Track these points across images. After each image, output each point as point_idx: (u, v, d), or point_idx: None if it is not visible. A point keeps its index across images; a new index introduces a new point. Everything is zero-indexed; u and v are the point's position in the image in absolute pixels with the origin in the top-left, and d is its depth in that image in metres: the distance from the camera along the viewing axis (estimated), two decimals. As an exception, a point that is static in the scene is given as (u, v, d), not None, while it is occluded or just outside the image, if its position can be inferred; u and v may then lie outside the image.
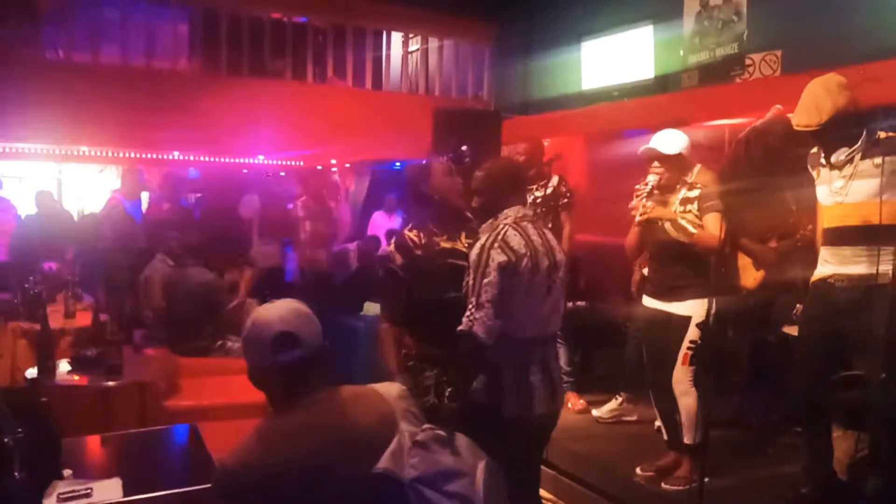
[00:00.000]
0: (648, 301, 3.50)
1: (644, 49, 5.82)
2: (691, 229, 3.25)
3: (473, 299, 2.26)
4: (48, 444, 2.14)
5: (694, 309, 3.25)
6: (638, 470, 3.56)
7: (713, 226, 3.19)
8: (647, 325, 3.54)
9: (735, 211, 3.18)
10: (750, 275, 3.93)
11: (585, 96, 6.29)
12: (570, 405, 4.54)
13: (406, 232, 2.72)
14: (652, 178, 3.31)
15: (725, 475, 3.41)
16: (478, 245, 2.35)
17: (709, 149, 4.19)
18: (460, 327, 2.27)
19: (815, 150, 2.99)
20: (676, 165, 3.33)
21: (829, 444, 3.03)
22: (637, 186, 3.35)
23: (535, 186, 4.58)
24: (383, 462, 1.52)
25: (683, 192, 3.36)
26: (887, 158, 2.75)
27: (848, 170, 2.83)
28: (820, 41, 4.33)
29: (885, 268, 2.76)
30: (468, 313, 2.27)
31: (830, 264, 2.94)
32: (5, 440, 1.99)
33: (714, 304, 3.15)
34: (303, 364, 1.62)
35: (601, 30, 6.19)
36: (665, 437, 3.57)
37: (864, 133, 2.79)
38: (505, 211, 2.42)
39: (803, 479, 3.10)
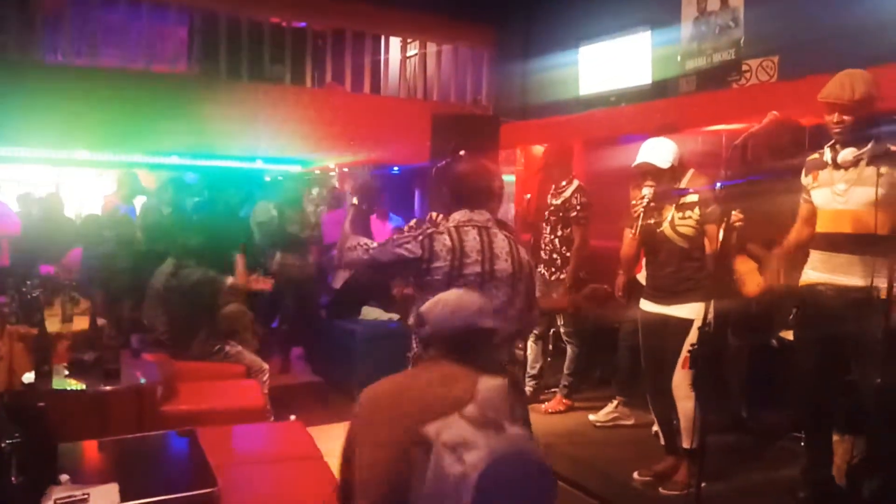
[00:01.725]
0: (647, 305, 3.50)
1: (642, 54, 5.84)
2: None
3: (376, 243, 2.45)
4: (45, 449, 2.13)
5: (695, 312, 3.25)
6: (635, 475, 3.56)
7: (714, 236, 3.20)
8: (645, 329, 3.55)
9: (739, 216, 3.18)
10: (754, 281, 3.92)
11: (583, 101, 6.30)
12: (543, 408, 4.61)
13: None
14: (647, 191, 3.32)
15: (723, 480, 3.41)
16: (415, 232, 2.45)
17: (705, 154, 4.21)
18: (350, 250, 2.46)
19: (815, 155, 2.99)
20: (670, 177, 3.34)
21: (829, 449, 3.04)
22: (633, 202, 3.37)
23: (551, 192, 4.63)
24: (428, 427, 1.68)
25: (679, 198, 3.36)
26: (889, 170, 2.74)
27: (852, 173, 2.82)
28: (817, 47, 4.35)
29: (878, 279, 2.75)
30: (365, 244, 2.45)
31: (820, 271, 2.94)
32: (2, 445, 1.99)
33: (713, 308, 3.16)
34: (431, 340, 1.97)
35: (599, 35, 6.20)
36: (662, 441, 3.57)
37: (874, 139, 2.79)
38: (454, 215, 2.45)
39: (801, 483, 3.11)
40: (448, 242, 2.35)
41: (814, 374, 2.99)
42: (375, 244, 2.44)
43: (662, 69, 5.70)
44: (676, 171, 3.36)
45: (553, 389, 4.81)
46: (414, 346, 2.47)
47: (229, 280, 4.58)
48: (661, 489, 3.41)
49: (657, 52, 5.73)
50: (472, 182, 2.50)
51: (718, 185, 2.94)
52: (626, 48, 5.98)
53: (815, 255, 2.99)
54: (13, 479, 2.01)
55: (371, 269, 2.48)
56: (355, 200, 2.76)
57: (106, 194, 6.66)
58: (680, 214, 3.32)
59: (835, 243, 2.89)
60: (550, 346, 5.16)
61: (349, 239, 2.51)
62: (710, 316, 3.13)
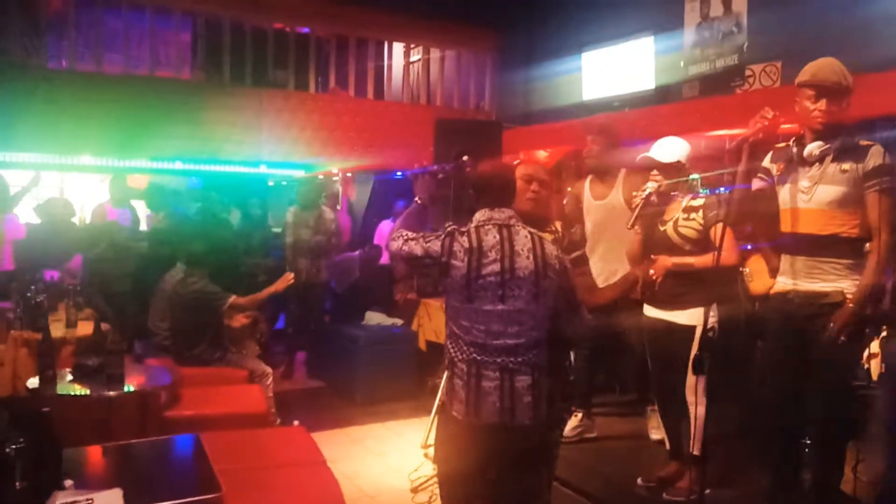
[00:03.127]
0: (649, 310, 3.49)
1: (645, 60, 5.85)
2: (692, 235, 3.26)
3: (413, 236, 2.48)
4: (49, 454, 2.13)
5: (696, 318, 3.23)
6: (639, 480, 3.54)
7: (718, 237, 3.19)
8: (650, 334, 3.54)
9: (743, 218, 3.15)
10: (762, 282, 3.88)
11: (586, 107, 6.31)
12: None
13: None
14: (650, 186, 3.31)
15: (728, 486, 3.40)
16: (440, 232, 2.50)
17: (709, 159, 4.20)
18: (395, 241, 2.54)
19: (781, 144, 2.87)
20: (675, 174, 3.33)
21: (832, 457, 3.01)
22: (634, 193, 3.36)
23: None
24: None
25: (687, 200, 3.36)
26: (853, 165, 2.64)
27: (816, 171, 2.71)
28: (820, 52, 4.32)
29: (843, 283, 2.67)
30: (406, 236, 2.51)
31: (788, 276, 2.83)
32: (6, 450, 1.99)
33: (716, 313, 3.15)
34: None
35: (602, 41, 6.22)
36: (668, 446, 3.56)
37: (841, 138, 2.68)
38: (475, 215, 2.47)
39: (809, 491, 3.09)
40: (466, 243, 2.36)
41: (782, 384, 2.85)
42: (414, 236, 2.50)
43: (666, 74, 5.70)
44: (683, 169, 3.34)
45: None
46: (450, 349, 2.44)
47: (231, 299, 4.49)
48: (664, 495, 3.40)
49: (660, 57, 5.74)
50: (488, 181, 2.52)
51: (721, 189, 2.94)
52: (629, 54, 5.99)
53: (783, 260, 2.88)
54: (17, 484, 2.01)
55: (405, 260, 2.52)
56: (418, 200, 2.81)
57: (102, 198, 6.68)
58: (685, 216, 3.31)
59: (798, 245, 2.76)
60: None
61: (396, 230, 2.60)
62: (713, 321, 3.13)
